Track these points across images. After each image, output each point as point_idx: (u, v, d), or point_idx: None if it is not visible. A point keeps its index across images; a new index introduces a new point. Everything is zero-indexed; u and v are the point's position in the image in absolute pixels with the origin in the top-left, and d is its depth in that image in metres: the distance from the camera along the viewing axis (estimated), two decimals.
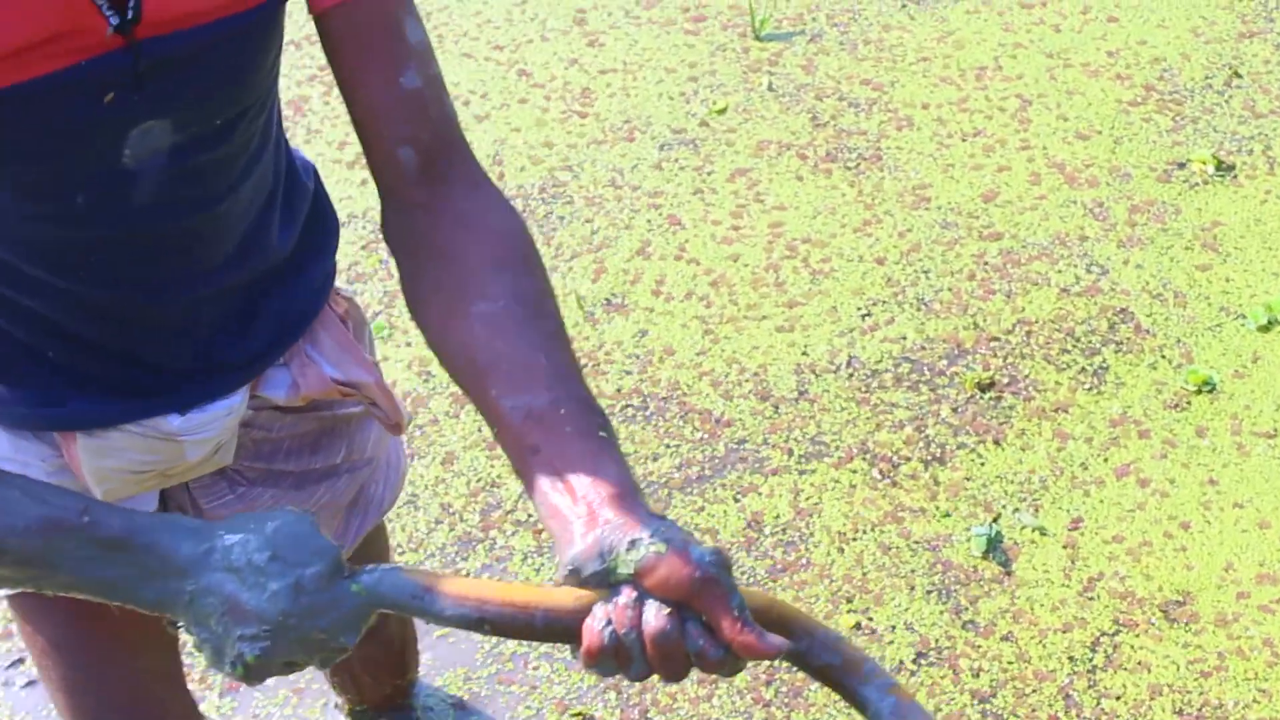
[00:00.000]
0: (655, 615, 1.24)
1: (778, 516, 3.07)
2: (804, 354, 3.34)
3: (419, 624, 2.73)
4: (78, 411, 1.77)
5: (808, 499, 3.10)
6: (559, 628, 1.29)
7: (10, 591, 1.94)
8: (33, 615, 2.00)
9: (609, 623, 1.25)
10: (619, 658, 1.26)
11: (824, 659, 1.31)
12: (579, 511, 1.29)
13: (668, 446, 3.19)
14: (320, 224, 1.93)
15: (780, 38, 4.00)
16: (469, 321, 1.44)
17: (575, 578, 1.26)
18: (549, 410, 1.35)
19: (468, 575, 1.31)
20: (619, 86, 3.92)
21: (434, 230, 1.52)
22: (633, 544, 1.24)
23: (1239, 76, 3.74)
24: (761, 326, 3.40)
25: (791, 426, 3.21)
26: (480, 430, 3.17)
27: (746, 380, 3.30)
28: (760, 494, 3.11)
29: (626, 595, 1.25)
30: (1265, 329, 3.27)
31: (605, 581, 1.26)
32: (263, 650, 1.31)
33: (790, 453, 3.17)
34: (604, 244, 3.59)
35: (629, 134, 3.81)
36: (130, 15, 1.43)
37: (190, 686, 2.33)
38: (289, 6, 1.59)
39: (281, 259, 1.83)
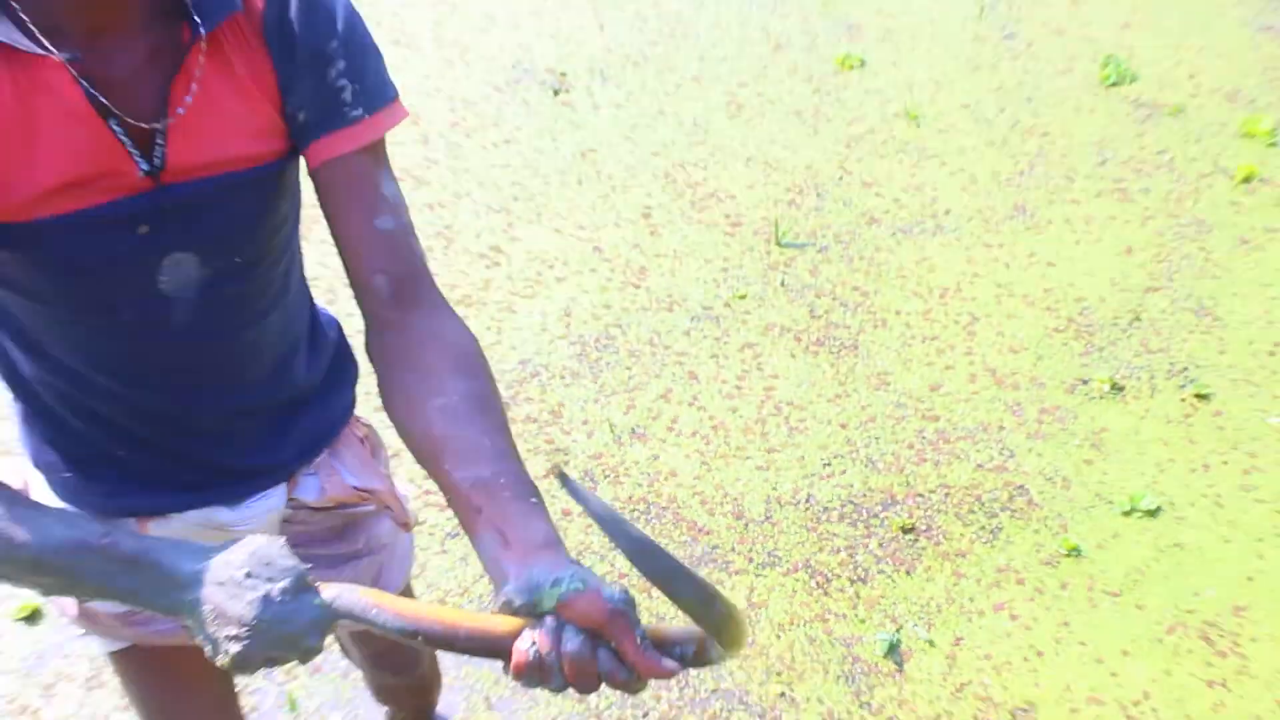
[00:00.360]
0: (572, 641, 1.28)
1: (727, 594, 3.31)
2: (774, 488, 3.59)
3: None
4: (141, 503, 1.83)
5: (759, 596, 3.34)
6: (481, 644, 1.34)
7: (113, 648, 2.04)
8: (126, 666, 2.10)
9: (534, 644, 1.29)
10: (542, 673, 1.30)
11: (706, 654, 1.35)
12: (512, 557, 1.33)
13: (658, 542, 3.44)
14: (341, 366, 2.00)
15: (796, 246, 4.24)
16: (428, 413, 1.48)
17: (509, 608, 1.31)
18: (491, 480, 1.39)
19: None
20: (667, 268, 4.17)
21: (402, 343, 1.55)
22: (555, 582, 1.29)
23: (1139, 320, 3.96)
24: (745, 464, 3.65)
25: (755, 540, 3.46)
26: None
27: (727, 502, 3.55)
28: (724, 587, 3.35)
29: (550, 623, 1.29)
30: (1127, 514, 3.50)
31: (533, 612, 1.30)
32: (243, 647, 1.36)
33: (751, 559, 3.42)
34: (636, 386, 3.86)
35: (669, 305, 4.07)
36: (157, 162, 1.49)
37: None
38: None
39: (308, 390, 1.91)
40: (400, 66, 5.00)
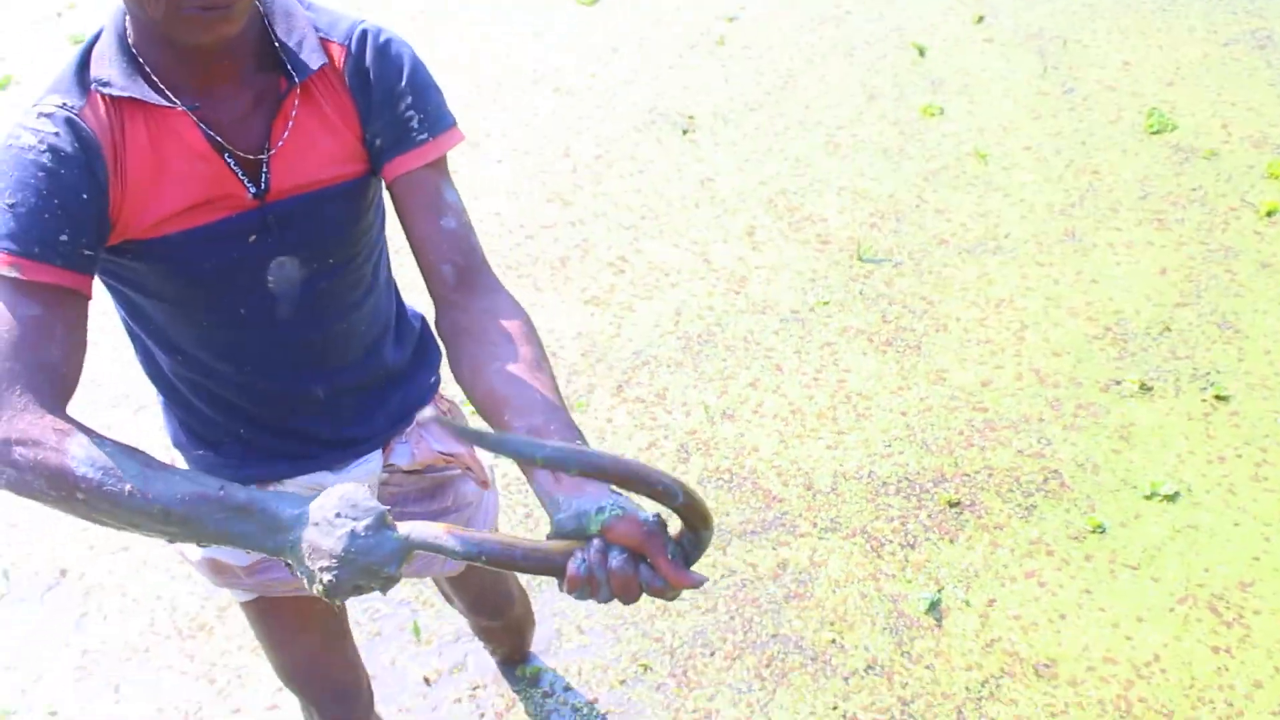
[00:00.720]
0: (616, 559, 1.27)
1: (798, 564, 3.09)
2: (840, 465, 3.35)
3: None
4: (260, 473, 1.83)
5: (820, 556, 3.11)
6: (538, 564, 1.31)
7: (243, 599, 2.04)
8: (253, 613, 2.08)
9: (584, 562, 1.28)
10: (591, 586, 1.28)
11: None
12: (562, 489, 1.32)
13: (737, 508, 3.24)
14: (425, 350, 1.96)
15: (874, 261, 4.01)
16: (489, 375, 1.47)
17: (561, 533, 1.30)
18: (543, 426, 1.38)
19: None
20: (764, 278, 3.97)
21: (466, 320, 1.55)
22: (600, 510, 1.28)
23: (1169, 331, 3.67)
24: (817, 443, 3.42)
25: (820, 509, 3.23)
26: None
27: (799, 475, 3.33)
28: (790, 548, 3.13)
29: (596, 544, 1.28)
30: (1148, 498, 3.20)
31: (581, 535, 1.29)
32: (334, 575, 1.33)
33: (815, 524, 3.19)
34: (730, 375, 3.65)
35: (763, 309, 3.86)
36: (263, 186, 1.55)
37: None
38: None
39: (397, 371, 1.89)
40: (558, 110, 4.88)
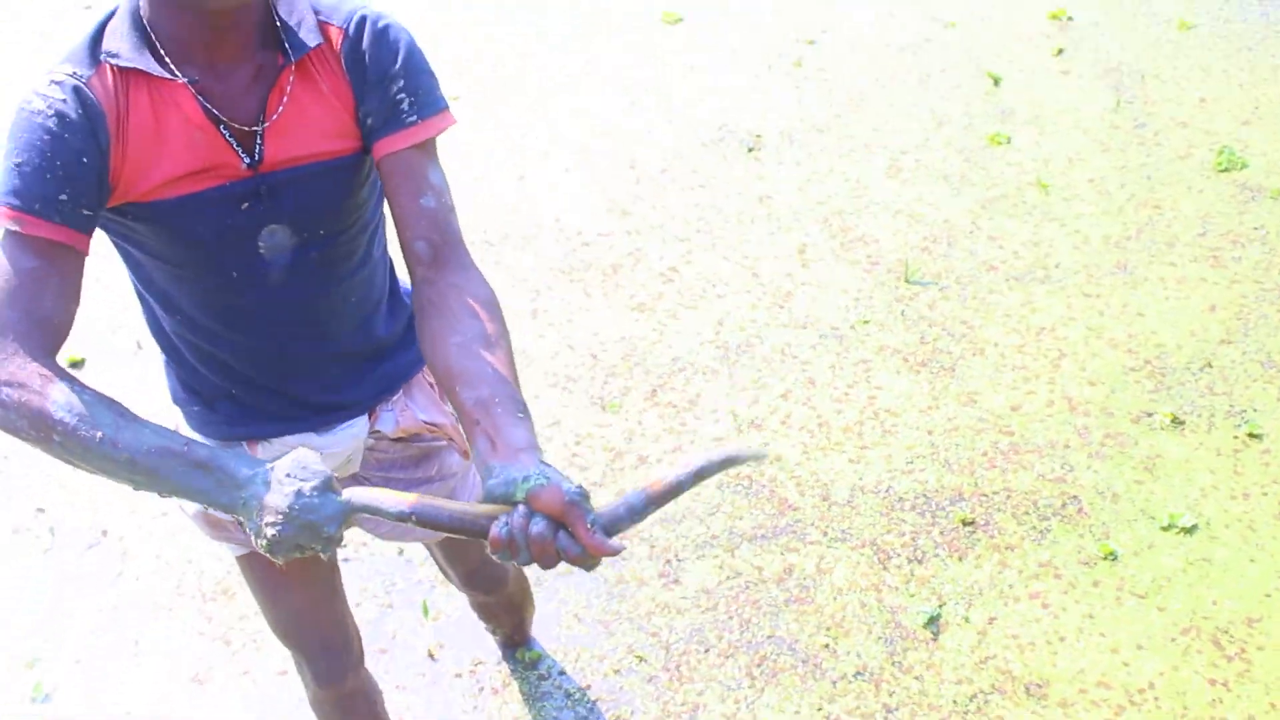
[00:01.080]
0: (537, 525, 1.35)
1: (803, 570, 3.13)
2: (860, 478, 3.39)
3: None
4: (251, 430, 1.94)
5: (826, 564, 3.15)
6: (463, 525, 1.40)
7: (238, 552, 2.13)
8: (247, 567, 2.18)
9: (506, 526, 1.36)
10: (512, 549, 1.37)
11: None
12: (496, 457, 1.40)
13: (751, 514, 3.29)
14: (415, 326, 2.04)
15: (922, 284, 4.03)
16: (448, 348, 1.55)
17: (489, 497, 1.38)
18: (489, 399, 1.46)
19: None
20: (810, 295, 4.01)
21: (434, 295, 1.62)
22: (526, 478, 1.36)
23: (1210, 367, 3.64)
24: (840, 456, 3.46)
25: (833, 519, 3.27)
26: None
27: (818, 486, 3.37)
28: (798, 554, 3.18)
29: (520, 510, 1.36)
30: (1166, 529, 3.19)
31: (507, 501, 1.37)
32: (278, 530, 1.44)
33: (826, 534, 3.23)
34: (762, 386, 3.70)
35: (804, 324, 3.90)
36: (257, 157, 1.63)
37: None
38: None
39: (386, 343, 1.97)
40: (630, 122, 4.99)
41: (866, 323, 3.89)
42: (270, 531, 1.44)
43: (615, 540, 1.39)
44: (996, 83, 5.10)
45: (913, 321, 3.88)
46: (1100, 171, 4.54)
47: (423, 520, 1.42)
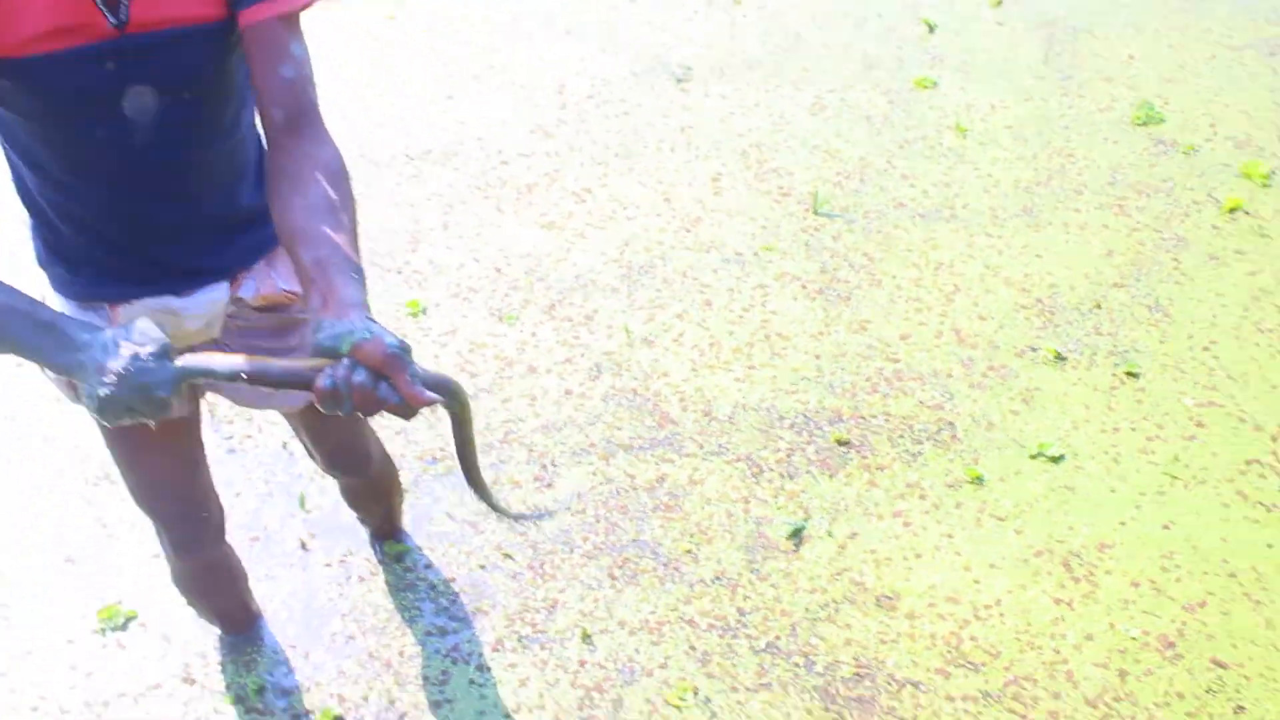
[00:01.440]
0: (359, 375, 1.40)
1: (675, 480, 3.18)
2: (744, 397, 3.43)
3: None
4: (113, 292, 1.96)
5: (699, 475, 3.19)
6: (290, 378, 1.45)
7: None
8: (110, 434, 2.19)
9: (331, 378, 1.41)
10: (336, 400, 1.41)
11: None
12: (326, 313, 1.45)
13: (631, 425, 3.33)
14: None
15: (829, 216, 4.06)
16: (292, 209, 1.59)
17: (317, 351, 1.42)
18: (325, 258, 1.51)
19: None
20: (717, 221, 4.04)
21: (286, 160, 1.65)
22: (351, 331, 1.40)
23: (1099, 308, 3.68)
24: (727, 375, 3.50)
25: (711, 434, 3.31)
26: None
27: (701, 402, 3.41)
28: (673, 465, 3.22)
29: (345, 363, 1.40)
30: (1033, 457, 3.24)
31: (333, 354, 1.41)
32: (110, 390, 1.46)
33: (702, 447, 3.27)
34: (659, 305, 3.73)
35: (708, 249, 3.93)
36: (123, 16, 1.63)
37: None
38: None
39: (252, 212, 1.98)
40: (564, 50, 5.02)
41: (770, 250, 3.92)
42: (103, 391, 1.46)
43: (431, 392, 1.44)
44: (931, 29, 5.12)
45: (815, 251, 3.92)
46: (1020, 119, 4.57)
47: (254, 378, 1.46)
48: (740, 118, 4.57)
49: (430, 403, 1.44)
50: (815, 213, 4.08)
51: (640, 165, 4.31)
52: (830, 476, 3.17)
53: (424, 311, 3.70)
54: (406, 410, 1.44)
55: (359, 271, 1.51)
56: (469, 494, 2.88)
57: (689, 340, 3.58)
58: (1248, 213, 4.09)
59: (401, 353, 1.41)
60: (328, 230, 1.54)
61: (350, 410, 1.43)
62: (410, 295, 3.77)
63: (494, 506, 1.69)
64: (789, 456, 3.23)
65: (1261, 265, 3.90)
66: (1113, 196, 4.17)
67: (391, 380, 1.41)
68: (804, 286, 3.78)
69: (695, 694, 2.70)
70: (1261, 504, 3.15)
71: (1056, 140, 4.46)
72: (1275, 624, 2.89)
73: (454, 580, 2.95)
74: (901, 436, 3.29)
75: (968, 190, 4.19)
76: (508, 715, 2.69)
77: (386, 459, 2.75)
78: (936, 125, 4.54)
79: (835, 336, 3.59)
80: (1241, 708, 2.72)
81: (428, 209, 4.11)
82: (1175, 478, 3.20)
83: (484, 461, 3.14)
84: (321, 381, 1.41)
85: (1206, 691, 2.74)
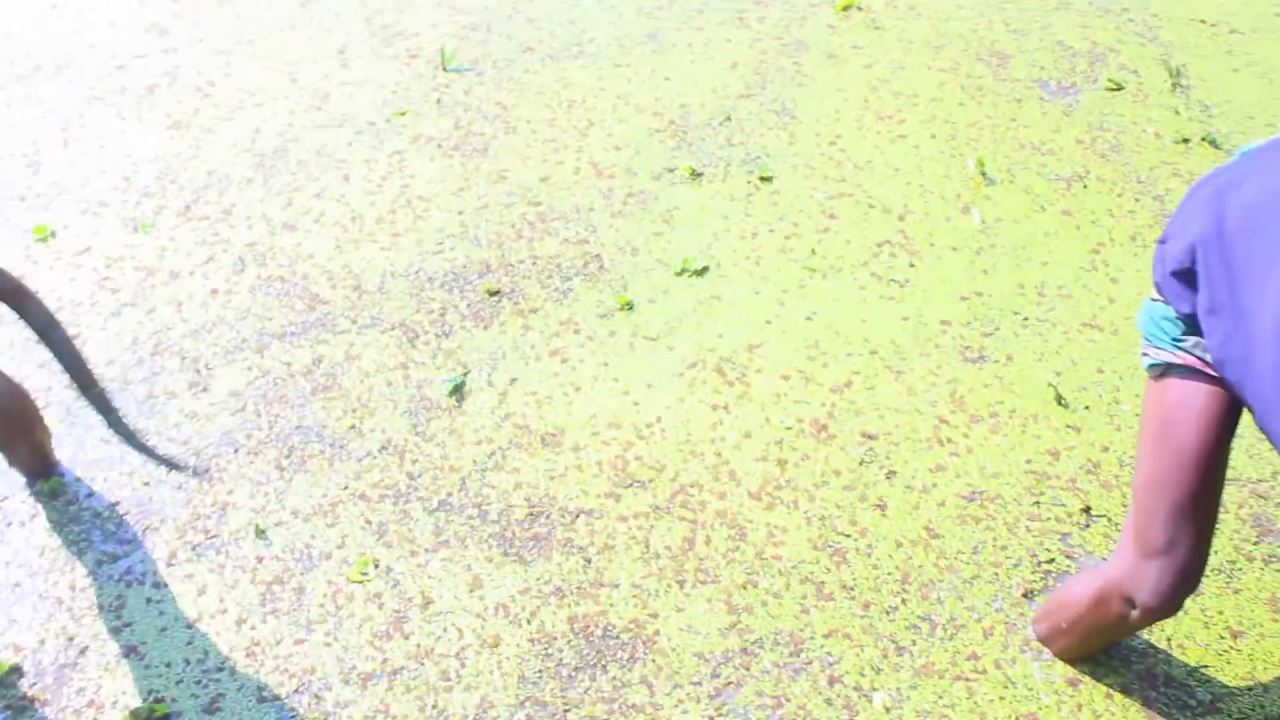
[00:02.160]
0: None
1: (332, 359, 3.07)
2: (391, 265, 3.34)
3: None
4: None
5: (355, 350, 3.11)
6: None
7: None
8: None
9: None
10: None
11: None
12: None
13: (281, 313, 3.19)
14: None
15: (459, 71, 3.96)
16: None
17: None
18: None
19: None
20: (348, 94, 3.90)
21: None
22: None
23: (729, 120, 3.70)
24: (372, 246, 3.39)
25: (363, 307, 3.21)
26: None
27: (349, 278, 3.30)
28: (328, 345, 3.12)
29: None
30: (679, 274, 3.27)
31: None
32: None
33: (355, 322, 3.18)
34: (297, 188, 3.58)
35: (340, 123, 3.80)
36: None
37: None
38: None
39: None
40: None
41: (403, 114, 3.81)
42: None
43: None
44: None
45: (448, 109, 3.82)
46: None
47: None
48: None
49: None
50: (445, 70, 3.96)
51: (263, 49, 4.11)
52: (485, 328, 3.13)
53: (53, 235, 3.47)
54: None
55: None
56: (123, 414, 2.75)
57: (330, 218, 3.46)
58: (860, 8, 4.17)
59: None
60: None
61: None
62: (36, 220, 3.52)
63: (125, 435, 1.55)
64: (443, 316, 3.17)
65: (876, 57, 3.99)
66: (732, 11, 4.18)
67: None
68: (440, 146, 3.69)
69: (376, 566, 2.66)
70: (894, 281, 3.26)
71: None
72: (915, 389, 3.01)
73: (119, 504, 2.81)
74: (551, 277, 3.26)
75: (594, 25, 4.14)
76: (190, 626, 2.60)
77: (13, 395, 2.58)
78: None
79: (476, 190, 3.52)
80: (893, 472, 2.83)
81: (44, 128, 3.84)
82: (814, 270, 3.28)
83: (137, 376, 3.00)
84: None
85: (860, 464, 2.84)
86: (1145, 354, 2.13)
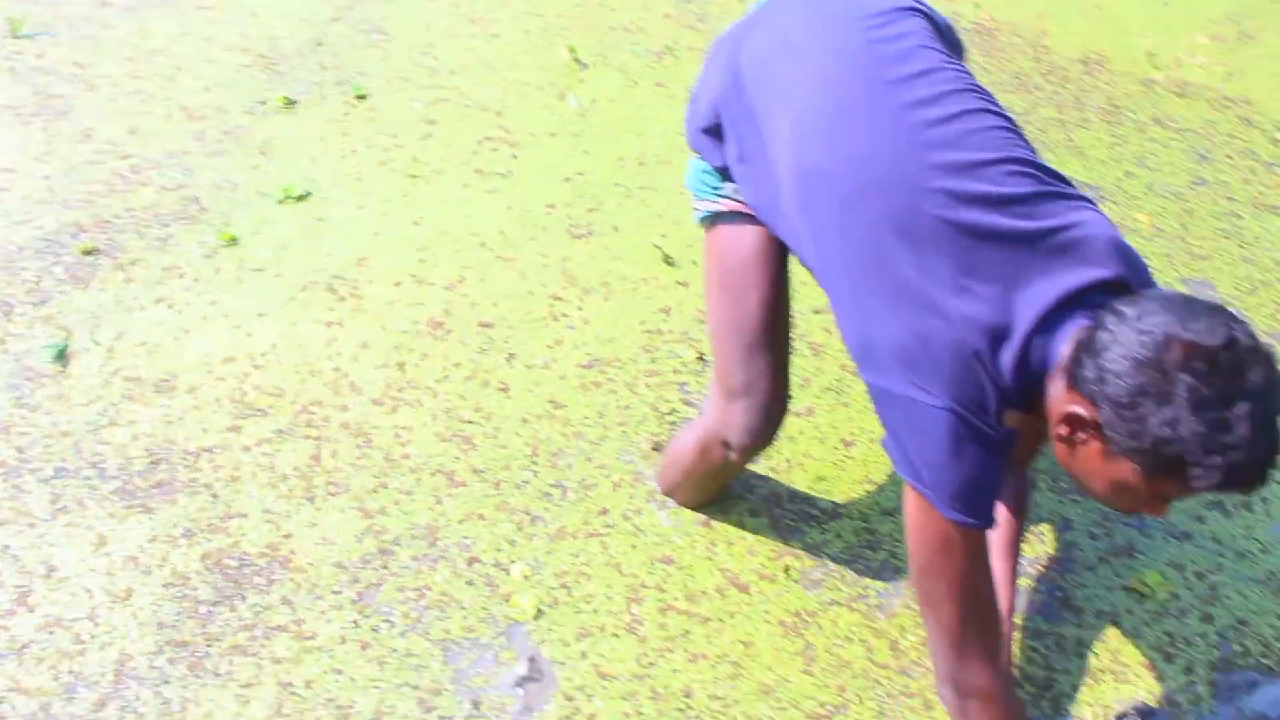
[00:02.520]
0: None
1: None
2: None
3: None
4: None
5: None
6: None
7: None
8: None
9: None
10: None
11: None
12: None
13: None
14: None
15: (30, 36, 3.76)
16: None
17: None
18: None
19: None
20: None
21: None
22: None
23: (320, 46, 3.64)
24: None
25: None
26: None
27: None
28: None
29: None
30: (281, 202, 3.20)
31: None
32: None
33: None
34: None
35: None
36: None
37: None
38: None
39: None
40: None
41: None
42: None
43: None
44: None
45: (23, 75, 3.62)
46: None
47: None
48: None
49: None
50: (15, 37, 3.75)
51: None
52: (84, 289, 3.00)
53: None
54: None
55: None
56: None
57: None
58: None
59: None
60: None
61: None
62: None
63: None
64: (38, 284, 3.02)
65: None
66: None
67: None
68: (18, 115, 3.49)
69: None
70: (497, 173, 3.27)
71: None
72: (527, 273, 3.03)
73: None
74: (149, 226, 3.14)
75: None
76: None
77: None
78: None
79: (61, 153, 3.36)
80: (512, 354, 2.85)
81: None
82: (416, 176, 3.26)
83: None
84: None
85: (479, 352, 2.85)
86: (695, 208, 2.20)
